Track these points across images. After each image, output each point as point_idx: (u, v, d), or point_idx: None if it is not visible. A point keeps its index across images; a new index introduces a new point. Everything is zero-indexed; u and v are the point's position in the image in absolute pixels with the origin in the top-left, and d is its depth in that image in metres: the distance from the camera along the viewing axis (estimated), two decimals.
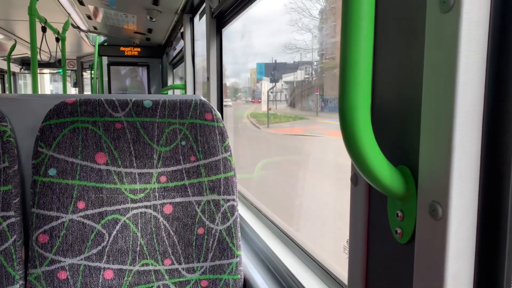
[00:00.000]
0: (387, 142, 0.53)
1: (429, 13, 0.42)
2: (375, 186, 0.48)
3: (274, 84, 2.87)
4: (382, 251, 0.55)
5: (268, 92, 2.98)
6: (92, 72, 6.74)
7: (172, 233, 1.04)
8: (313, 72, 2.22)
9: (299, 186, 2.15)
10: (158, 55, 5.13)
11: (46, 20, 3.41)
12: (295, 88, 2.68)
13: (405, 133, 0.49)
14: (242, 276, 1.09)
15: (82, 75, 7.55)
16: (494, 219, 0.41)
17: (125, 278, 1.01)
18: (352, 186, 0.61)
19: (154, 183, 1.04)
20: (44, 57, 4.07)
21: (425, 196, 0.44)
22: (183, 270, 1.04)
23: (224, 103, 2.28)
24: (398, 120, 0.50)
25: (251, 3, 1.73)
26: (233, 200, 1.07)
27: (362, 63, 0.44)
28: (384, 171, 0.46)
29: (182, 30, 3.14)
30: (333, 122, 2.03)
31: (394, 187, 0.47)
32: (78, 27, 4.29)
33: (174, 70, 5.17)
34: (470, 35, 0.39)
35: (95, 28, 4.34)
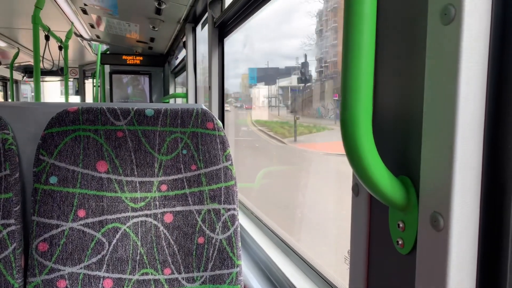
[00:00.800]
0: (389, 152, 0.53)
1: (430, 25, 0.43)
2: (376, 196, 0.48)
3: (304, 85, 2.70)
4: (384, 262, 0.54)
5: (308, 95, 2.70)
6: (94, 80, 6.77)
7: (172, 242, 1.03)
8: (331, 68, 2.14)
9: None
10: (160, 63, 5.16)
11: (49, 28, 3.43)
12: (298, 94, 2.62)
13: (406, 144, 0.49)
14: (242, 286, 1.09)
15: (84, 83, 7.59)
16: (496, 229, 0.41)
17: (125, 287, 1.00)
18: (353, 196, 0.61)
19: (154, 191, 1.04)
20: (47, 65, 4.10)
21: (426, 206, 0.44)
22: (183, 279, 1.03)
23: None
24: (400, 131, 0.51)
25: (254, 13, 1.74)
26: (234, 209, 1.07)
27: (363, 74, 0.45)
28: (385, 181, 0.46)
29: (184, 39, 3.17)
30: None
31: (395, 198, 0.47)
32: (81, 36, 4.33)
33: (176, 79, 5.20)
34: (471, 47, 0.39)
35: (97, 36, 4.37)
